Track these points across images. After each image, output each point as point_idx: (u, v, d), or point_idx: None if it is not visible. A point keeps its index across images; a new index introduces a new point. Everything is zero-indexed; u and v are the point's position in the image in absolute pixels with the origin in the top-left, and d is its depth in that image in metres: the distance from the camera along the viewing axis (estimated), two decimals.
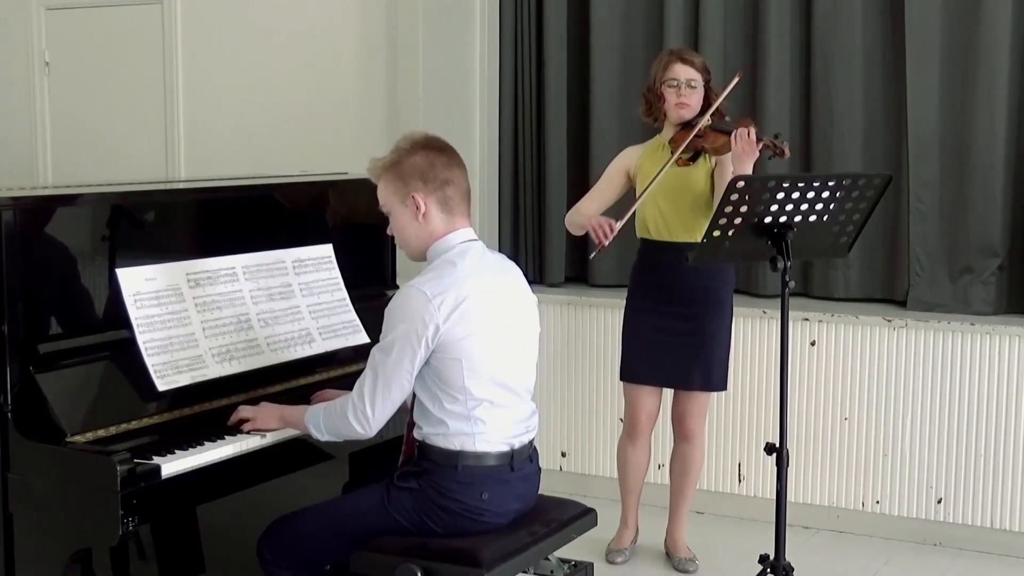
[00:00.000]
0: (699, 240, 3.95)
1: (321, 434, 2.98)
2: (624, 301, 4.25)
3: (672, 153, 4.00)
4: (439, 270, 2.91)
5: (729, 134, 3.88)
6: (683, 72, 4.00)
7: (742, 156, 3.79)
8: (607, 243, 3.95)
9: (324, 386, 3.35)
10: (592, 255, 4.23)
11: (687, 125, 4.02)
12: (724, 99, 3.99)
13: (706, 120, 3.96)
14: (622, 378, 4.22)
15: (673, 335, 4.07)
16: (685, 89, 4.00)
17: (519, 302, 3.05)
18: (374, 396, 2.87)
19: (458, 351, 2.85)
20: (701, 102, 4.03)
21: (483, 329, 2.88)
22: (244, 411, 3.09)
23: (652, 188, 3.95)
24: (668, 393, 4.25)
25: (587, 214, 4.11)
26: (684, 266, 3.94)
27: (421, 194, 2.93)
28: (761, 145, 3.82)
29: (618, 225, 3.94)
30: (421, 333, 2.82)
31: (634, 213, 4.07)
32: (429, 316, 2.81)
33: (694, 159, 4.01)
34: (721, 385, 4.16)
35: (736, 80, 3.97)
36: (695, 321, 4.06)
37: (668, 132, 4.09)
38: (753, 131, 3.82)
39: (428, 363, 2.87)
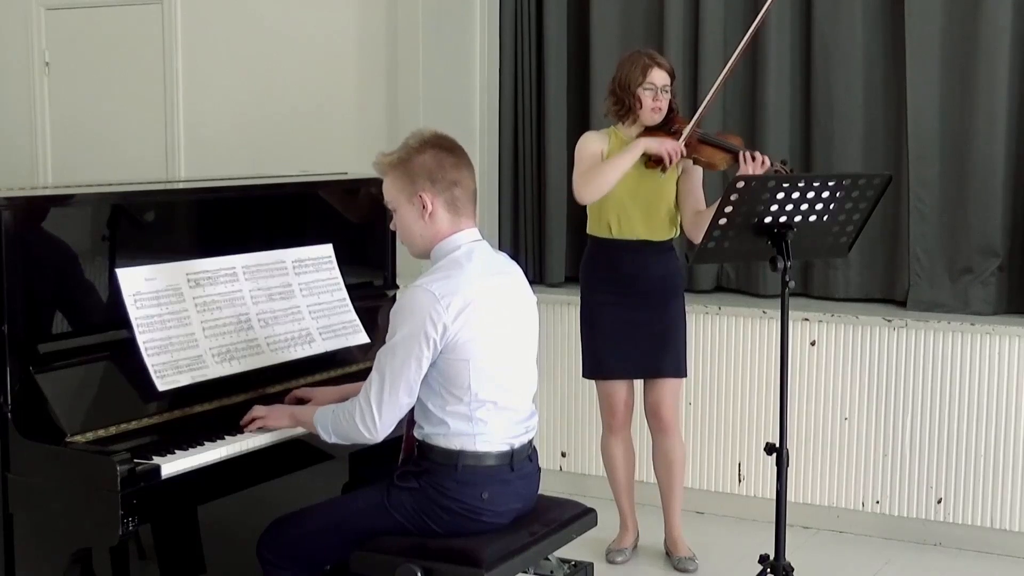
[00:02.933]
0: (658, 239, 4.08)
1: (329, 436, 2.97)
2: None
3: (647, 158, 4.03)
4: (446, 270, 2.90)
5: (728, 151, 4.00)
6: (660, 77, 4.06)
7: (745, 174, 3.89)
8: (678, 159, 4.00)
9: (324, 386, 3.35)
10: (665, 171, 4.04)
11: (656, 129, 4.08)
12: (727, 73, 4.05)
13: (689, 130, 4.00)
14: (591, 376, 4.25)
15: (637, 326, 4.12)
16: (660, 93, 4.06)
17: (522, 303, 3.06)
18: (381, 400, 2.85)
19: (466, 353, 2.85)
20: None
21: (489, 331, 2.88)
22: (257, 410, 3.09)
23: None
24: (638, 389, 4.27)
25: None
26: (637, 260, 4.08)
27: (428, 194, 2.92)
28: (773, 170, 3.94)
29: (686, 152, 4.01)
30: (429, 333, 2.81)
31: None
32: (437, 316, 2.81)
33: (659, 162, 4.03)
34: (685, 371, 4.22)
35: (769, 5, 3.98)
36: (655, 310, 4.13)
37: (632, 132, 4.13)
38: (767, 157, 3.94)
39: (435, 364, 2.86)
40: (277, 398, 3.24)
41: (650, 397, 4.23)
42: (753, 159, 3.94)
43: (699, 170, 4.14)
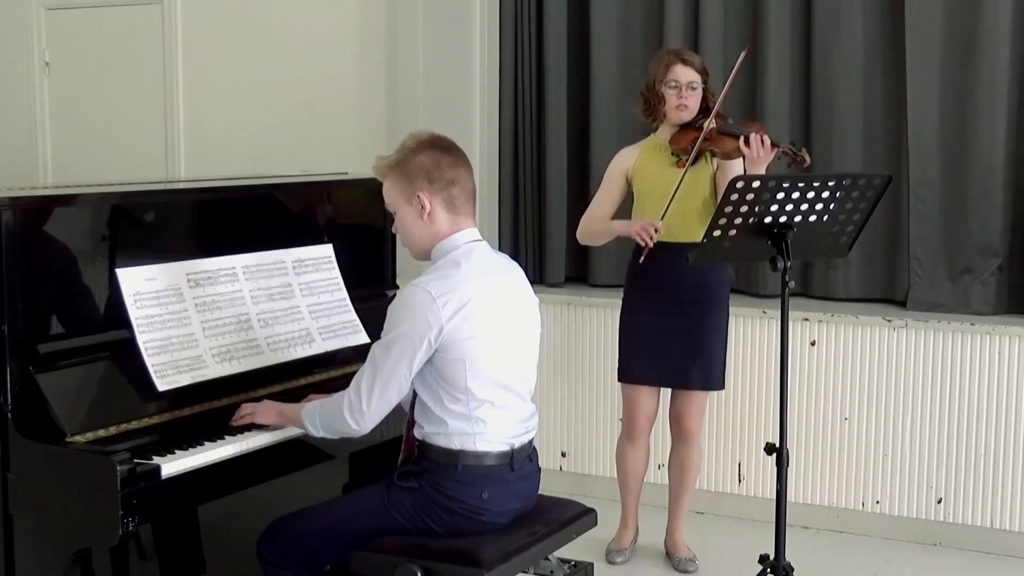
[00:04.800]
0: (698, 239, 3.99)
1: (316, 430, 2.98)
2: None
3: (673, 154, 4.02)
4: (444, 270, 2.91)
5: (738, 138, 3.89)
6: (684, 74, 4.00)
7: (756, 161, 3.82)
8: (653, 244, 3.92)
9: (324, 386, 3.35)
10: (642, 259, 4.02)
11: (687, 126, 4.03)
12: (727, 90, 3.98)
13: (711, 122, 3.96)
14: (621, 379, 4.21)
15: (672, 334, 4.07)
16: (686, 91, 4.00)
17: (522, 304, 3.06)
18: (371, 393, 2.86)
19: (461, 352, 2.85)
20: (699, 104, 4.04)
21: (486, 330, 2.88)
22: (246, 408, 3.10)
23: (673, 192, 3.94)
24: (665, 393, 4.25)
25: (601, 220, 4.15)
26: (682, 265, 3.94)
27: (426, 193, 2.92)
28: (778, 151, 3.85)
29: (661, 225, 3.93)
30: (424, 333, 2.82)
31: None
32: (433, 316, 2.81)
33: (695, 161, 4.01)
34: (720, 384, 4.17)
35: (742, 58, 3.95)
36: (693, 320, 4.07)
37: (665, 132, 4.09)
38: (767, 137, 3.84)
39: (431, 362, 2.87)
40: (278, 398, 3.23)
41: (676, 406, 4.21)
42: (759, 142, 3.81)
43: (736, 163, 4.00)
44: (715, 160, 4.04)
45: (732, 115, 4.18)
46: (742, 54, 3.98)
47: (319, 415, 2.97)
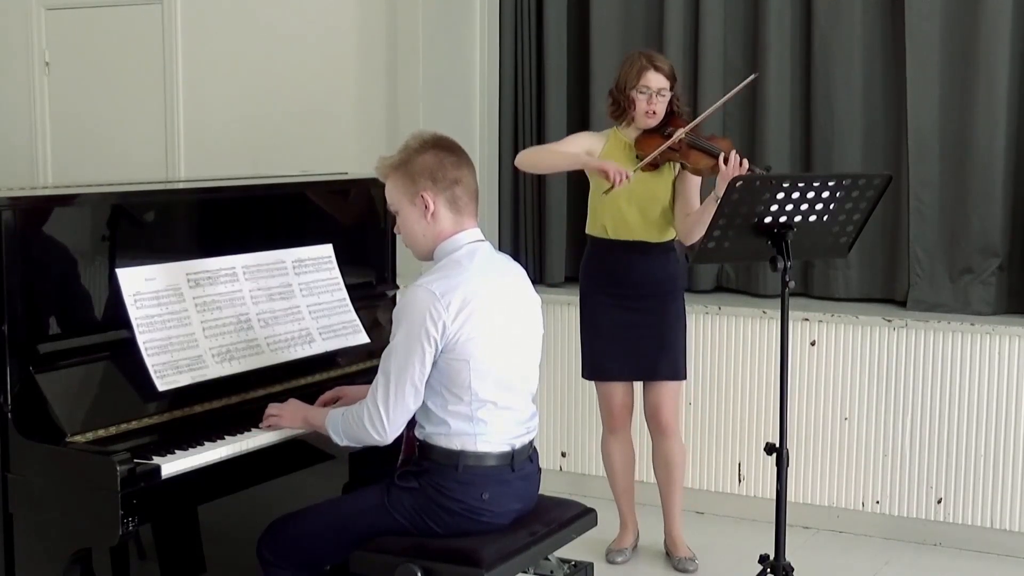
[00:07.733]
0: (653, 240, 4.06)
1: (340, 439, 2.97)
2: None
3: (637, 157, 4.03)
4: (446, 270, 2.91)
5: (713, 156, 3.91)
6: (656, 81, 4.01)
7: (727, 179, 3.78)
8: (621, 186, 3.88)
9: (324, 386, 3.35)
10: (605, 191, 3.98)
11: (653, 131, 4.05)
12: (719, 107, 4.02)
13: (681, 134, 3.96)
14: (590, 377, 4.24)
15: (635, 328, 4.11)
16: (656, 97, 4.02)
17: (524, 304, 3.06)
18: (387, 401, 2.86)
19: (465, 352, 2.85)
20: (665, 109, 4.06)
21: (489, 330, 2.88)
22: (272, 408, 3.10)
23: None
24: (638, 391, 4.27)
25: (557, 153, 4.14)
26: (635, 261, 4.06)
27: (430, 193, 2.92)
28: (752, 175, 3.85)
29: (633, 176, 3.93)
30: (430, 332, 2.82)
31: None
32: (437, 314, 2.81)
33: (657, 165, 4.02)
34: (683, 374, 4.20)
35: (752, 78, 4.03)
36: (653, 313, 4.11)
37: (631, 133, 4.11)
38: (745, 160, 3.84)
39: (435, 364, 2.86)
40: (278, 398, 3.23)
41: (649, 400, 4.23)
42: (736, 163, 3.82)
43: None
44: (676, 166, 4.06)
45: (707, 125, 4.19)
46: (752, 76, 4.06)
47: (342, 426, 2.95)
